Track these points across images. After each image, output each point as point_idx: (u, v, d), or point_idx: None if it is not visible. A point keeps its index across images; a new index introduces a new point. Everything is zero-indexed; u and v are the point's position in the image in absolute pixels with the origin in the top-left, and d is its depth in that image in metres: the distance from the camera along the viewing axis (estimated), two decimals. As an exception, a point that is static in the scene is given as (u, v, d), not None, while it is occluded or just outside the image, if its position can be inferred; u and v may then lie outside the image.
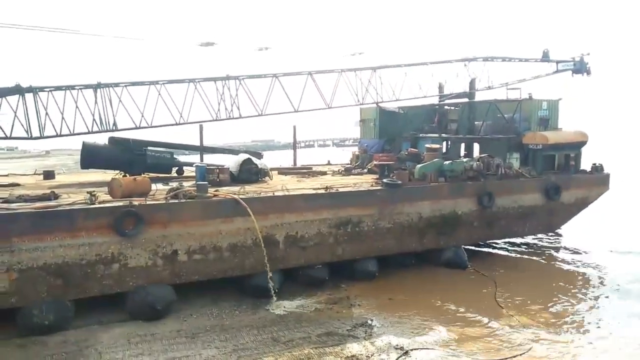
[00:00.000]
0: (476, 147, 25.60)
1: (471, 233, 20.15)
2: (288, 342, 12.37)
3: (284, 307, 14.80)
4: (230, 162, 20.23)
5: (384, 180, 18.70)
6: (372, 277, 17.38)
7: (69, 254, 12.85)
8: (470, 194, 19.77)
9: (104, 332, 12.61)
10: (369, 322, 13.73)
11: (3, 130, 17.23)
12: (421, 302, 15.45)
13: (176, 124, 20.92)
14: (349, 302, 15.36)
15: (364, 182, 20.03)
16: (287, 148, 78.94)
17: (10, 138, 17.64)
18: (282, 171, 24.44)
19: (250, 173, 19.70)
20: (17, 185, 18.40)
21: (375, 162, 22.94)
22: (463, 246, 19.93)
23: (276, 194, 16.48)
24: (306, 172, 24.02)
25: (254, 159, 20.47)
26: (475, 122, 25.44)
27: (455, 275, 18.50)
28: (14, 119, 17.31)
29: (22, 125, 17.47)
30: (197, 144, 24.79)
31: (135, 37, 24.58)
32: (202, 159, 24.35)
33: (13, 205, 13.45)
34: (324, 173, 23.81)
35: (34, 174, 24.24)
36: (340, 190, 17.76)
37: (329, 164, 29.50)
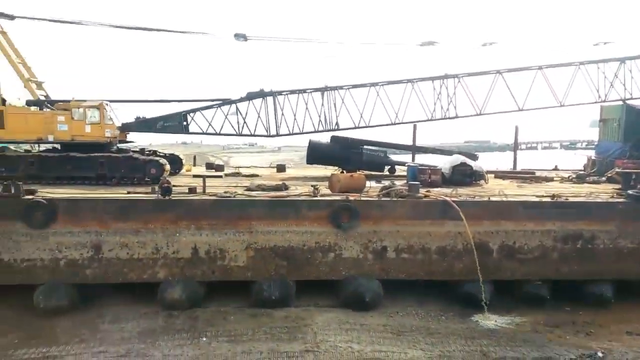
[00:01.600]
0: None
1: None
2: (499, 359, 11.43)
3: (495, 321, 13.73)
4: (443, 163, 19.73)
5: (629, 191, 15.67)
6: (606, 303, 14.74)
7: (294, 240, 14.35)
8: None
9: (319, 314, 13.68)
10: (599, 355, 11.69)
11: (249, 128, 20.30)
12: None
13: (391, 124, 21.42)
14: (574, 327, 13.37)
15: (602, 192, 17.13)
16: (504, 150, 73.52)
17: (254, 135, 20.69)
18: (500, 175, 22.72)
19: (463, 175, 18.87)
20: (257, 176, 21.52)
21: (617, 169, 19.42)
22: None
23: (492, 198, 15.38)
24: (528, 177, 21.80)
25: (469, 161, 19.53)
26: None
27: None
28: (257, 119, 20.24)
29: (263, 125, 20.31)
30: (410, 143, 24.94)
31: (364, 42, 26.00)
32: (413, 159, 24.40)
33: (253, 193, 15.70)
34: (550, 179, 21.26)
35: (270, 166, 28.04)
36: (571, 199, 15.56)
37: (556, 169, 26.24)
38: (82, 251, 13.77)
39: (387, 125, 21.55)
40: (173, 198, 14.44)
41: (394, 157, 24.64)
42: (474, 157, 22.09)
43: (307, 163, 22.80)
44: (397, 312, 14.14)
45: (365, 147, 21.80)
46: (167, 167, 18.38)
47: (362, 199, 15.03)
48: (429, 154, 26.88)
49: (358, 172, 18.59)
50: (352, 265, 14.55)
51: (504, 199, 15.37)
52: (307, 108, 20.69)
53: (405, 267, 14.70)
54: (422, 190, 15.65)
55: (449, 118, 21.56)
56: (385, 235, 14.58)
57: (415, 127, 23.92)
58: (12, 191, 13.73)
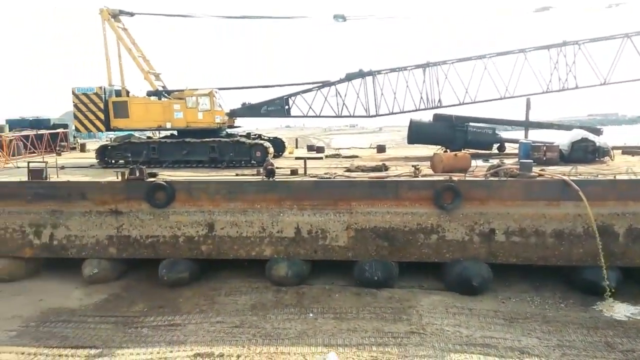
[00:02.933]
0: None
1: None
2: (627, 351, 10.28)
3: (623, 311, 12.32)
4: (562, 139, 17.97)
5: None
6: None
7: (394, 221, 14.11)
8: None
9: (424, 297, 13.39)
10: None
11: (348, 110, 20.24)
12: None
13: (501, 98, 19.98)
14: None
15: None
16: (635, 122, 65.16)
17: (354, 116, 20.59)
18: (628, 150, 20.16)
19: (585, 152, 17.08)
20: (357, 157, 21.49)
21: None
22: None
23: (618, 177, 13.69)
24: (665, 152, 19.08)
25: (591, 136, 17.58)
26: None
27: None
28: (357, 99, 20.08)
29: (362, 105, 20.10)
30: (522, 119, 23.09)
31: (471, 14, 24.53)
32: (526, 136, 22.57)
33: (353, 174, 15.68)
34: (694, 155, 18.38)
35: (370, 147, 27.84)
36: None
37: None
38: (198, 229, 14.86)
39: (495, 100, 20.13)
40: (276, 179, 14.94)
41: (504, 134, 23.07)
42: (598, 132, 19.84)
43: (408, 143, 22.22)
44: (509, 297, 13.34)
45: (470, 124, 20.65)
46: (271, 149, 19.09)
47: (467, 179, 14.26)
48: (545, 130, 24.71)
49: (463, 151, 17.67)
50: (457, 248, 13.95)
51: (633, 177, 13.60)
52: (407, 86, 20.05)
53: (516, 251, 13.74)
54: (536, 169, 14.42)
55: (569, 89, 19.51)
56: (493, 217, 13.73)
57: (528, 101, 22.04)
58: (138, 174, 15.20)
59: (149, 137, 21.61)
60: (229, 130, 21.08)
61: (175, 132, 20.21)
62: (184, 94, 19.59)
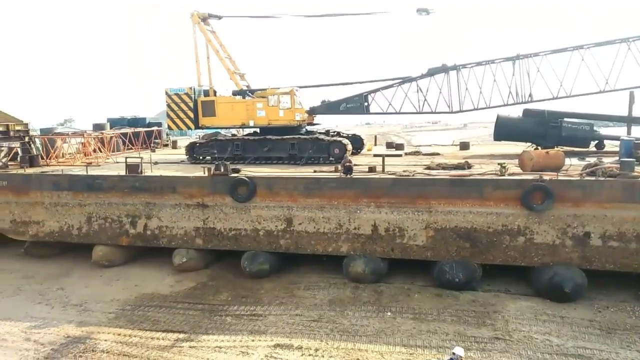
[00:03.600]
0: None
1: None
2: None
3: None
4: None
5: None
6: None
7: (477, 221, 13.50)
8: None
9: (510, 302, 12.73)
10: None
11: (430, 106, 19.67)
12: None
13: (600, 92, 18.35)
14: None
15: None
16: None
17: (435, 112, 19.96)
18: None
19: (702, 150, 15.16)
20: (438, 154, 20.83)
21: None
22: None
23: None
24: None
25: None
26: None
27: None
28: (439, 95, 19.44)
29: (445, 101, 19.42)
30: (625, 114, 21.03)
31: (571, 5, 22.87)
32: (629, 132, 20.55)
33: (433, 172, 15.22)
34: None
35: (452, 144, 26.88)
36: None
37: None
38: (277, 223, 15.25)
39: (594, 93, 18.53)
40: (354, 177, 14.90)
41: (603, 131, 21.20)
42: None
43: (495, 140, 21.16)
44: (606, 306, 12.28)
45: (565, 120, 19.20)
46: (349, 147, 19.07)
47: (560, 178, 13.26)
48: (651, 126, 22.31)
49: (555, 149, 16.47)
50: (547, 252, 13.05)
51: None
52: (494, 80, 19.05)
53: (615, 256, 12.58)
54: (639, 169, 13.09)
55: (681, 80, 17.47)
56: (589, 220, 12.66)
57: (632, 94, 20.05)
58: (222, 170, 15.91)
59: (233, 135, 22.52)
60: (309, 128, 21.38)
61: (257, 130, 20.87)
62: (266, 92, 20.16)
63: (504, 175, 13.91)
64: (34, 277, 15.96)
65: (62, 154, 21.37)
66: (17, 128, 19.50)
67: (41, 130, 22.68)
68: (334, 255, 14.94)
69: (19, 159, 20.03)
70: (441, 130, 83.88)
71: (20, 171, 18.73)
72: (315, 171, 16.48)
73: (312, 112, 20.75)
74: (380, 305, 12.74)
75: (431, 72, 19.28)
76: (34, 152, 20.18)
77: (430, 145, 26.79)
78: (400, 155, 20.80)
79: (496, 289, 13.55)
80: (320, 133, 20.52)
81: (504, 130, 20.01)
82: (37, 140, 20.97)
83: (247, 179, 15.42)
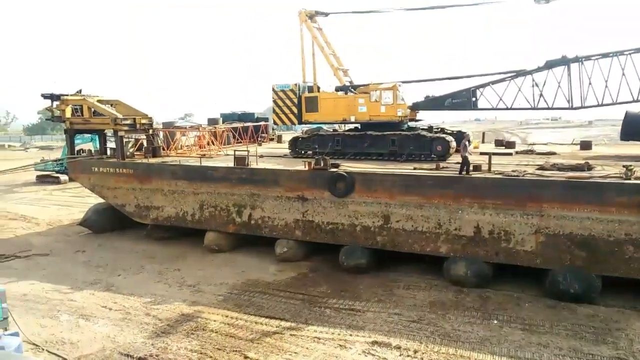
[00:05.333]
0: None
1: None
2: None
3: None
4: None
5: None
6: None
7: (596, 228, 12.37)
8: None
9: (637, 320, 11.53)
10: None
11: (546, 101, 18.24)
12: None
13: None
14: None
15: None
16: None
17: (552, 108, 18.44)
18: None
19: None
20: (554, 154, 19.32)
21: None
22: None
23: None
24: None
25: None
26: None
27: None
28: (557, 89, 17.92)
29: (564, 96, 17.85)
30: None
31: None
32: None
33: (546, 173, 14.16)
34: None
35: (572, 143, 24.73)
36: None
37: None
38: (374, 219, 15.25)
39: None
40: (456, 175, 14.39)
41: None
42: None
43: (621, 139, 19.09)
44: None
45: None
46: (453, 144, 18.40)
47: (701, 184, 11.63)
48: None
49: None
50: (681, 267, 11.56)
51: None
52: (623, 73, 17.10)
53: None
54: None
55: None
56: None
57: None
58: (322, 165, 16.26)
59: (334, 130, 22.86)
60: (411, 124, 21.00)
61: (358, 126, 20.97)
62: (369, 88, 20.14)
63: (629, 178, 12.53)
64: (155, 258, 17.67)
65: (180, 145, 23.29)
66: (143, 121, 21.55)
67: (163, 123, 24.91)
68: (432, 256, 14.60)
69: (143, 149, 22.21)
70: (561, 127, 77.23)
71: (144, 161, 20.77)
72: (415, 168, 16.18)
73: (415, 107, 20.32)
74: (486, 312, 12.20)
75: (549, 65, 17.82)
76: (157, 143, 22.22)
77: (546, 144, 24.90)
78: (510, 154, 19.61)
79: (620, 304, 12.31)
80: (422, 129, 20.06)
81: (633, 128, 17.96)
82: (160, 133, 23.07)
83: (345, 174, 15.59)
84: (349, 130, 21.59)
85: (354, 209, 15.55)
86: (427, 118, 22.47)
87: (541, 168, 14.92)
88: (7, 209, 27.15)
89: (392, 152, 18.90)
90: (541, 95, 18.00)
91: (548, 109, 18.41)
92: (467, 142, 15.15)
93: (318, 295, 13.67)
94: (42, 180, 37.57)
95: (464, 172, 14.40)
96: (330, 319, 12.03)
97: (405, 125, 20.39)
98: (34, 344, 10.78)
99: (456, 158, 17.97)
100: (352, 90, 21.21)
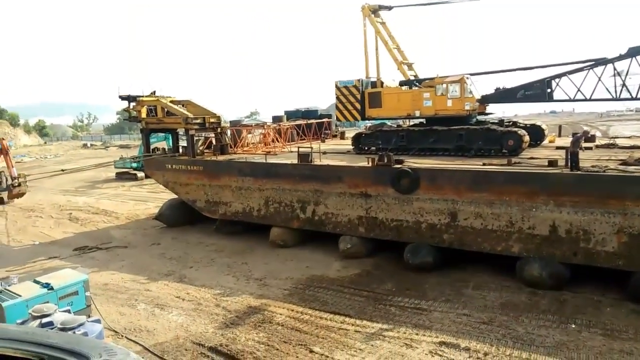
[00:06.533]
0: None
1: None
2: None
3: None
4: None
5: None
6: None
7: (691, 229, 11.28)
8: None
9: None
10: None
11: (630, 91, 16.85)
12: None
13: None
14: None
15: None
16: None
17: (636, 99, 17.04)
18: None
19: None
20: (638, 148, 17.85)
21: None
22: None
23: None
24: None
25: None
26: None
27: None
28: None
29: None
30: None
31: None
32: None
33: (630, 168, 13.12)
34: None
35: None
36: None
37: None
38: (440, 217, 14.86)
39: None
40: (529, 171, 13.69)
41: None
42: None
43: None
44: None
45: None
46: (526, 138, 17.50)
47: None
48: None
49: None
50: None
51: None
52: None
53: None
54: None
55: None
56: None
57: None
58: (385, 161, 16.06)
59: (398, 126, 22.52)
60: (480, 118, 20.22)
61: (423, 120, 20.52)
62: (434, 82, 19.63)
63: None
64: (224, 251, 18.33)
65: (247, 143, 23.96)
66: (212, 120, 22.39)
67: (230, 122, 25.72)
68: (504, 256, 14.00)
69: (212, 147, 23.07)
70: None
71: (213, 158, 21.57)
72: (484, 164, 15.57)
73: (484, 100, 19.51)
74: (563, 315, 11.52)
75: (632, 52, 16.48)
76: (225, 141, 23.00)
77: (629, 137, 23.08)
78: (590, 148, 18.37)
79: None
80: (492, 123, 19.27)
81: None
82: (228, 131, 23.86)
83: (409, 170, 15.31)
84: (414, 125, 21.18)
85: (419, 206, 15.24)
86: (498, 111, 21.50)
87: (624, 163, 13.85)
88: (90, 204, 29.30)
89: (459, 148, 18.31)
90: (624, 85, 16.66)
91: (632, 99, 17.02)
92: (580, 137, 14.33)
93: (383, 292, 13.55)
94: (121, 177, 40.17)
95: (570, 169, 13.42)
96: (395, 317, 11.88)
97: (474, 119, 19.66)
98: (114, 330, 11.54)
99: (530, 153, 17.13)
100: (417, 84, 20.77)
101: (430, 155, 18.68)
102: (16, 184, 26.10)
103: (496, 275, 14.22)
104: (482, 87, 19.76)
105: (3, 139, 29.97)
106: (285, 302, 13.07)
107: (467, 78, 19.06)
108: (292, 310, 12.48)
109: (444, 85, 19.10)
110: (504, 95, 19.03)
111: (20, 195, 26.82)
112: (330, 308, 12.56)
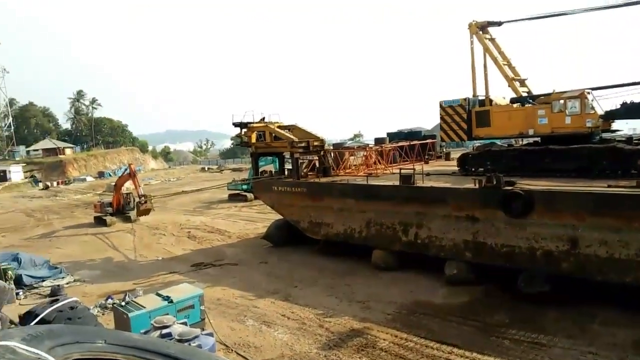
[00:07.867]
0: None
1: None
2: None
3: None
4: None
5: None
6: None
7: None
8: None
9: None
10: None
11: None
12: None
13: None
14: None
15: None
16: None
17: None
18: None
19: None
20: None
21: None
22: None
23: None
24: None
25: None
26: None
27: None
28: None
29: None
30: None
31: None
32: None
33: None
34: None
35: None
36: None
37: None
38: (558, 244, 13.63)
39: None
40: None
41: None
42: None
43: None
44: None
45: None
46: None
47: None
48: None
49: None
50: None
51: None
52: None
53: None
54: None
55: None
56: None
57: None
58: (494, 182, 15.17)
59: (509, 145, 21.29)
60: (604, 135, 18.35)
61: (538, 139, 19.16)
62: (551, 98, 18.29)
63: None
64: (326, 271, 18.57)
65: (349, 165, 24.27)
66: (315, 143, 23.11)
67: (334, 144, 26.34)
68: (636, 288, 12.39)
69: (315, 170, 23.72)
70: None
71: (316, 180, 22.14)
72: (609, 186, 14.03)
73: (609, 116, 17.69)
74: None
75: None
76: (327, 163, 23.54)
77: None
78: None
79: None
80: (618, 141, 17.38)
81: None
82: (330, 154, 24.43)
83: (522, 192, 14.30)
84: (527, 144, 19.86)
85: (533, 231, 14.13)
86: (626, 128, 19.37)
87: None
88: (206, 223, 31.60)
89: (579, 168, 16.71)
90: None
91: None
92: None
93: (494, 323, 12.65)
94: (233, 198, 42.85)
95: None
96: (509, 351, 10.99)
97: (597, 137, 17.90)
98: (225, 344, 12.15)
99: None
100: (531, 101, 19.53)
101: (546, 177, 17.29)
102: (143, 201, 29.13)
103: (626, 310, 12.60)
104: (606, 102, 17.98)
105: (131, 163, 33.73)
106: (389, 327, 12.78)
107: (589, 93, 17.51)
108: (396, 337, 12.15)
109: (562, 102, 17.73)
110: (632, 110, 17.09)
111: (147, 212, 29.82)
112: (437, 337, 12.00)
